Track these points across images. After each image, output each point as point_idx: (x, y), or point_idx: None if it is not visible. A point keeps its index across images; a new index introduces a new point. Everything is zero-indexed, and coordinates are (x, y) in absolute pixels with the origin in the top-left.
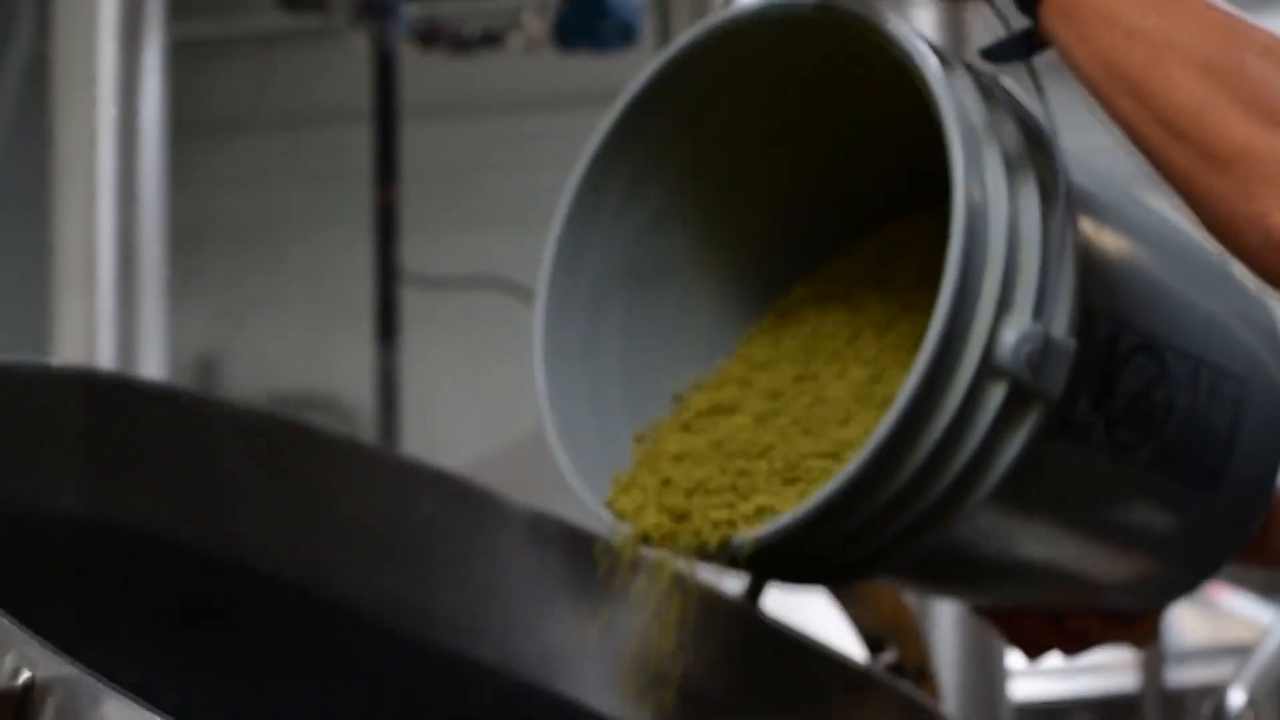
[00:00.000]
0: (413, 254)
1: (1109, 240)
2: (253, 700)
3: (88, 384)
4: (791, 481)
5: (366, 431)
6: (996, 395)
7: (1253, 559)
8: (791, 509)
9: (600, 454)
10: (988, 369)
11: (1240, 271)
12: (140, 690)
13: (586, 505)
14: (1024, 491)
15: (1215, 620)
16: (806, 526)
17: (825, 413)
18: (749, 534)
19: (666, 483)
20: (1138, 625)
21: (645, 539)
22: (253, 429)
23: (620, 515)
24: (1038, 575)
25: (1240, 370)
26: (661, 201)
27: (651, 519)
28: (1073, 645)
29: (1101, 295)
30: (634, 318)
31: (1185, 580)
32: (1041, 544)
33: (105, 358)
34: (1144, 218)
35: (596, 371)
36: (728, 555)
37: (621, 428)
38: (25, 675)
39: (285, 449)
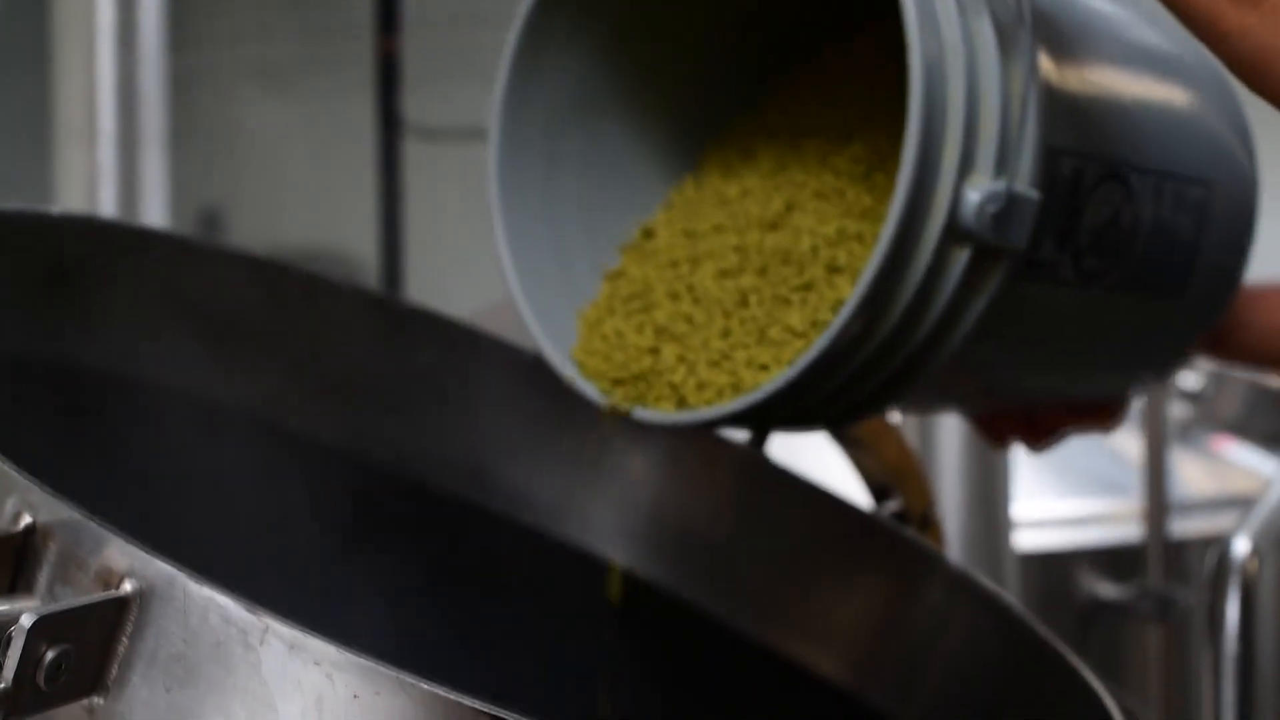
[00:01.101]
0: (414, 106)
1: (1070, 71)
2: (254, 546)
3: (85, 229)
4: (760, 341)
5: (371, 282)
6: (962, 257)
7: (1217, 353)
8: (756, 382)
9: (565, 301)
10: (952, 233)
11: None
12: (137, 534)
13: (547, 355)
14: (995, 330)
15: (1218, 472)
16: (768, 401)
17: (790, 266)
18: (712, 410)
19: (633, 329)
20: (1105, 413)
21: (618, 383)
22: (251, 274)
23: (584, 366)
24: (1012, 392)
25: (1205, 173)
26: (609, 32)
27: (616, 370)
28: (1043, 438)
29: (1064, 132)
30: (589, 158)
31: (1153, 372)
32: (1016, 369)
33: (107, 209)
34: (1101, 25)
35: (555, 212)
36: (701, 417)
37: (585, 272)
38: (26, 519)
39: (284, 294)
